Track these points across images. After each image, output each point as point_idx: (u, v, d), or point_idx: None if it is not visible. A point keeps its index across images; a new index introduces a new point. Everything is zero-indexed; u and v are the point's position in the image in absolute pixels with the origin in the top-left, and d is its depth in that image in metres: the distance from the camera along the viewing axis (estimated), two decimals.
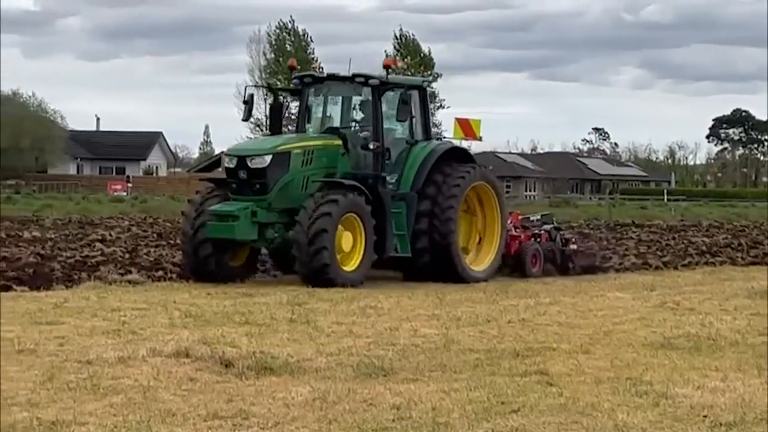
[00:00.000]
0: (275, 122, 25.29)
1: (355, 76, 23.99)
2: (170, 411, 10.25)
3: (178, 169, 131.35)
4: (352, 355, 13.42)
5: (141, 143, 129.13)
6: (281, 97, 26.12)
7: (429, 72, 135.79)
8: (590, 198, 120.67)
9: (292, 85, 24.99)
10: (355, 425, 9.84)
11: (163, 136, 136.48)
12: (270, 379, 11.87)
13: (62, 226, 40.61)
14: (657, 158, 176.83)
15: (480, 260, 25.13)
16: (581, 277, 26.23)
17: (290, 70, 25.39)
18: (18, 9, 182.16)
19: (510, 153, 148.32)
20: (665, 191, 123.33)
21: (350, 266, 22.48)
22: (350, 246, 22.50)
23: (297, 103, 25.64)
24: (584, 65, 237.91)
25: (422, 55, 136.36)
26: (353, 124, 24.67)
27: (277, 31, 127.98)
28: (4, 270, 22.52)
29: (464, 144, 26.78)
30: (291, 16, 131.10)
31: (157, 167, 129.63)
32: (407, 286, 23.07)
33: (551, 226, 27.93)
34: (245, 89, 24.90)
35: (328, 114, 25.06)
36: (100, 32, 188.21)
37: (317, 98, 24.86)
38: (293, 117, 25.98)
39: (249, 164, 22.52)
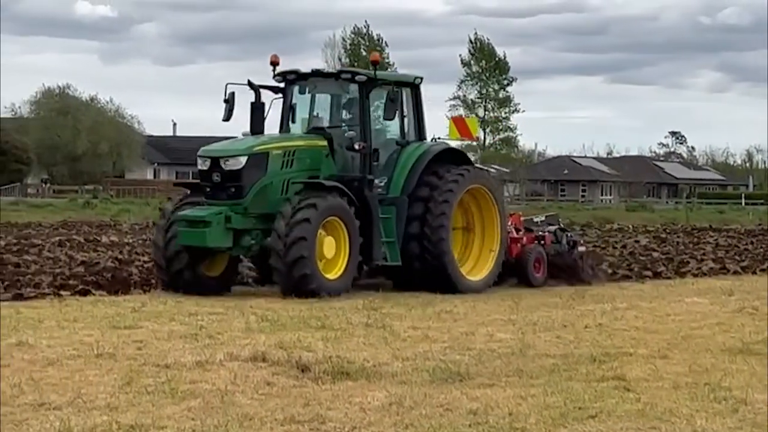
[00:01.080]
0: (257, 122, 22.74)
1: (341, 72, 23.07)
2: (247, 415, 10.28)
3: None
4: (428, 360, 13.40)
5: None
6: (278, 94, 23.01)
7: (504, 76, 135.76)
8: (667, 202, 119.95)
9: (274, 82, 22.80)
10: (431, 430, 9.84)
11: None
12: (346, 384, 11.87)
13: (140, 230, 40.86)
14: (734, 162, 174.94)
15: (478, 268, 23.21)
16: (658, 281, 25.81)
17: (272, 66, 22.82)
18: (95, 15, 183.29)
19: (586, 157, 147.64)
20: (743, 195, 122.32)
21: (334, 273, 20.84)
22: (333, 252, 20.87)
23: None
24: (661, 69, 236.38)
25: (497, 59, 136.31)
26: (340, 123, 22.84)
27: (352, 35, 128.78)
28: (83, 274, 22.71)
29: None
30: (366, 21, 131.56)
31: None
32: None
33: (556, 227, 25.73)
34: (226, 87, 22.50)
35: (313, 113, 23.19)
36: (177, 37, 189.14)
37: (302, 96, 23.14)
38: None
39: (223, 166, 20.88)
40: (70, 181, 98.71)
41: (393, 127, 22.96)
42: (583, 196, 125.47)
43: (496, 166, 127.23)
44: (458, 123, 25.40)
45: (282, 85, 22.82)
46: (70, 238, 34.98)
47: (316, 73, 23.09)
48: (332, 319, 16.98)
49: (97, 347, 13.82)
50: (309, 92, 23.13)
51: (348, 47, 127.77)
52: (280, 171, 21.26)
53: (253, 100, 22.70)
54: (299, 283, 20.05)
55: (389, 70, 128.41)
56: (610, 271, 26.42)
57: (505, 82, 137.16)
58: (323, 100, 23.43)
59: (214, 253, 21.11)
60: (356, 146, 21.71)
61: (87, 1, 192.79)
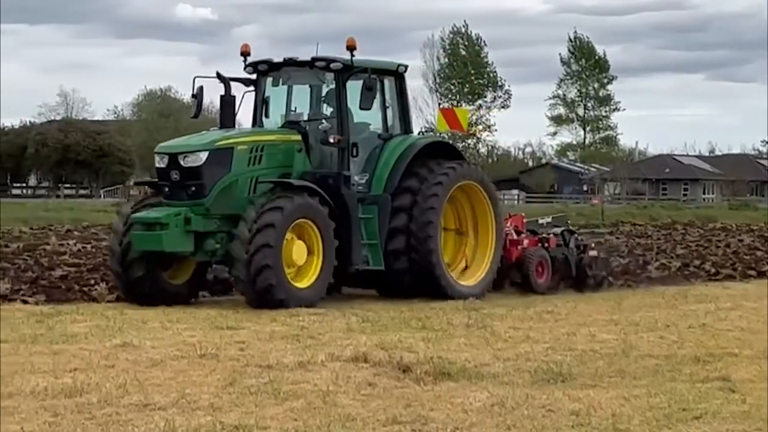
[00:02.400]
0: (227, 116, 20.83)
1: (315, 60, 20.39)
2: (350, 416, 10.31)
3: None
4: (529, 361, 13.37)
5: None
6: (250, 86, 21.22)
7: (604, 75, 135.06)
8: None
9: (245, 74, 20.99)
10: (534, 431, 9.81)
11: None
12: (448, 385, 11.86)
13: None
14: None
15: (471, 273, 21.54)
16: (763, 281, 25.38)
17: (242, 57, 21.03)
18: (197, 18, 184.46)
19: (687, 155, 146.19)
20: None
21: (306, 281, 19.05)
22: (305, 258, 19.07)
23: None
24: (761, 66, 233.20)
25: (597, 57, 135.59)
26: (316, 116, 20.87)
27: (451, 35, 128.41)
28: None
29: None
30: (465, 21, 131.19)
31: None
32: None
33: (562, 229, 23.84)
34: (194, 81, 20.69)
35: (288, 106, 21.26)
36: (275, 39, 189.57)
37: (275, 88, 21.19)
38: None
39: (182, 163, 18.99)
40: None
41: (375, 120, 21.20)
42: (684, 194, 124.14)
43: (596, 166, 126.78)
44: (447, 114, 23.69)
45: (254, 76, 21.10)
46: None
47: (289, 62, 20.83)
48: (433, 319, 16.98)
49: (200, 348, 13.94)
50: (283, 83, 21.26)
51: (447, 47, 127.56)
52: (246, 168, 19.53)
53: (223, 93, 20.91)
54: (264, 294, 18.41)
55: (488, 69, 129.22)
56: (619, 282, 24.53)
57: (605, 80, 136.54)
58: (298, 91, 21.52)
59: (177, 258, 19.50)
60: (331, 139, 19.98)
61: (188, 4, 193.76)
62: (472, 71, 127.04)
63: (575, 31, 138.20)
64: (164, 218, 18.72)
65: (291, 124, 20.68)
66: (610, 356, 13.90)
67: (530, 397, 11.17)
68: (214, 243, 19.01)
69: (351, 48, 20.18)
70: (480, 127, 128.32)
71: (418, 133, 21.82)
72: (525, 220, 23.69)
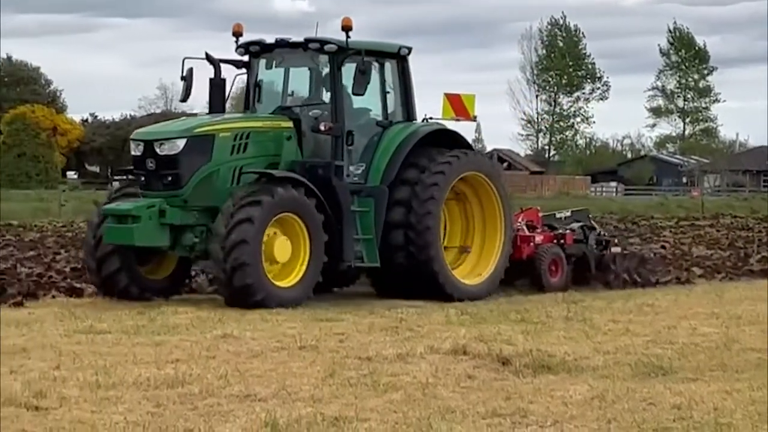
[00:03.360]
0: (216, 101, 19.47)
1: (308, 41, 18.84)
2: (449, 408, 10.30)
3: None
4: (629, 354, 13.28)
5: None
6: (241, 69, 19.82)
7: (704, 66, 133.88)
8: None
9: (237, 55, 19.59)
10: (634, 425, 9.74)
11: None
12: (547, 377, 11.83)
13: None
14: None
15: (479, 270, 19.98)
16: None
17: (234, 37, 19.61)
18: (294, 10, 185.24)
19: None
20: None
21: (290, 280, 17.68)
22: (288, 255, 17.67)
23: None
24: None
25: (697, 48, 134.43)
26: (310, 101, 19.60)
27: (549, 27, 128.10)
28: None
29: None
30: (563, 12, 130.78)
31: None
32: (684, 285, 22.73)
33: (581, 224, 22.19)
34: (183, 62, 19.26)
35: (282, 90, 19.80)
36: (374, 31, 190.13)
37: (268, 71, 19.67)
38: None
39: (157, 150, 17.65)
40: None
41: (374, 106, 19.72)
42: None
43: (695, 157, 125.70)
44: (453, 100, 21.66)
45: (246, 58, 19.64)
46: None
47: (282, 44, 19.27)
48: (531, 312, 16.92)
49: (299, 339, 14.01)
50: (276, 66, 19.62)
51: (545, 39, 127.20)
52: (229, 157, 18.13)
53: (212, 76, 19.51)
54: (241, 293, 17.14)
55: (586, 61, 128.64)
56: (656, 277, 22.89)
57: (705, 71, 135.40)
58: (295, 74, 19.89)
59: (155, 253, 18.33)
60: (321, 127, 18.54)
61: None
62: (570, 63, 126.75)
63: (675, 22, 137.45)
64: (135, 210, 17.53)
65: (283, 109, 19.28)
66: (712, 350, 13.78)
67: (631, 390, 11.11)
68: (192, 237, 17.75)
69: (347, 29, 18.55)
70: (578, 119, 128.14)
71: (422, 120, 20.03)
72: (541, 215, 22.33)
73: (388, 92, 19.58)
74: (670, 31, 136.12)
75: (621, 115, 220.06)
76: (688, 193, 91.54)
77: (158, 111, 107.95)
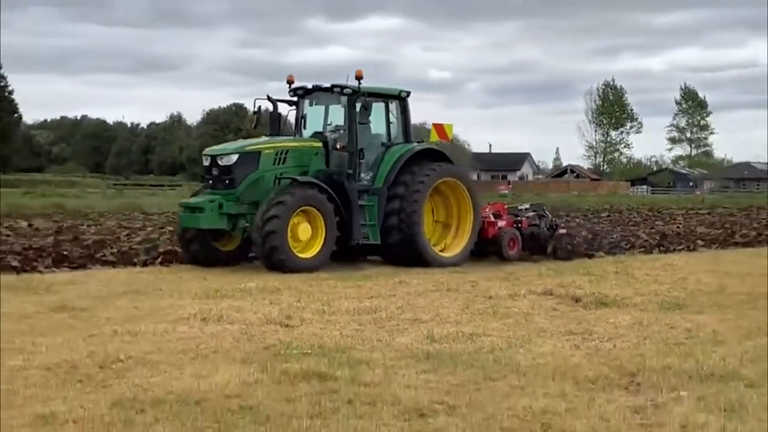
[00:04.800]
0: (274, 127, 18.34)
1: (333, 86, 17.78)
2: (542, 329, 10.26)
3: (539, 176, 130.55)
4: (657, 295, 13.01)
5: (516, 159, 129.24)
6: (292, 106, 18.53)
7: (703, 110, 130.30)
8: None
9: (288, 97, 18.43)
10: (661, 341, 9.58)
11: (530, 155, 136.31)
12: (604, 310, 11.67)
13: None
14: None
15: (454, 246, 18.38)
16: None
17: (288, 84, 18.41)
18: (440, 77, 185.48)
19: (759, 162, 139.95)
20: None
21: (310, 253, 16.40)
22: (309, 235, 16.43)
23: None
24: None
25: (699, 99, 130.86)
26: (336, 128, 17.94)
27: (603, 86, 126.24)
28: None
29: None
30: (612, 77, 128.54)
31: (526, 175, 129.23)
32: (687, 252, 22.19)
33: (534, 213, 20.25)
34: (254, 101, 18.37)
35: (326, 120, 18.40)
36: (490, 91, 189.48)
37: (310, 107, 18.47)
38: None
39: (219, 162, 16.75)
40: None
41: (381, 132, 18.28)
42: (757, 188, 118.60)
43: (698, 170, 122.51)
44: (438, 128, 20.18)
45: (295, 99, 18.43)
46: None
47: (317, 88, 18.13)
48: (594, 268, 16.65)
49: (447, 284, 14.00)
50: (315, 104, 18.45)
51: (600, 93, 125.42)
52: (272, 167, 16.98)
53: (271, 110, 18.43)
54: (275, 266, 15.86)
55: (627, 107, 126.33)
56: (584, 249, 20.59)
57: (704, 114, 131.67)
58: (323, 109, 18.50)
59: (226, 233, 16.96)
60: (337, 146, 17.42)
61: (435, 69, 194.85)
62: (617, 109, 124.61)
63: (684, 83, 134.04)
64: (201, 204, 16.64)
65: (317, 134, 18.00)
66: (711, 293, 13.47)
67: (658, 319, 10.93)
68: (244, 222, 16.66)
69: (359, 78, 17.41)
70: (622, 145, 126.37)
71: (417, 143, 18.58)
72: (506, 207, 20.45)
73: (391, 123, 18.30)
74: (682, 88, 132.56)
75: (649, 142, 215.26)
76: (694, 193, 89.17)
77: None
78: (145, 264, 16.87)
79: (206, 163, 17.06)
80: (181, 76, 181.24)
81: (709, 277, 15.40)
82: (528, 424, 6.46)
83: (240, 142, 17.80)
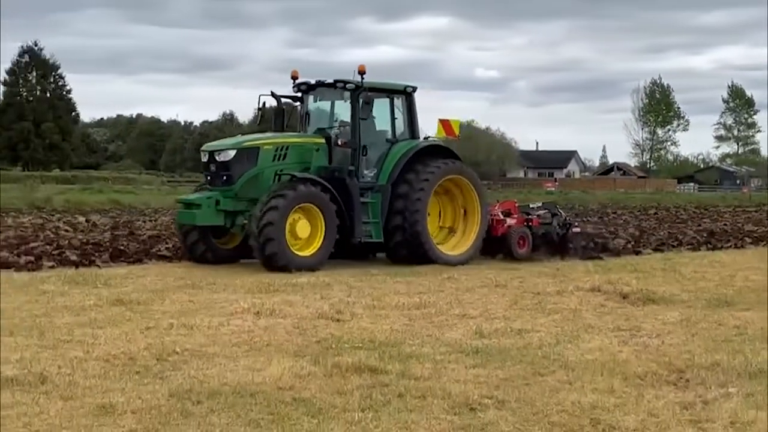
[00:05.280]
0: (278, 123, 17.76)
1: (336, 81, 16.97)
2: (590, 325, 10.18)
3: (586, 174, 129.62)
4: (705, 292, 12.89)
5: (563, 157, 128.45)
6: (296, 102, 17.94)
7: (751, 108, 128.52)
8: None
9: (293, 92, 17.66)
10: (709, 338, 9.49)
11: (577, 153, 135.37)
12: (652, 307, 11.57)
13: None
14: None
15: (461, 245, 17.60)
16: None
17: (293, 79, 17.62)
18: (487, 76, 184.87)
19: None
20: None
21: (309, 251, 15.67)
22: (308, 233, 15.67)
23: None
24: None
25: (746, 97, 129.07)
26: (340, 124, 17.11)
27: (650, 84, 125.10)
28: None
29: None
30: (659, 75, 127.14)
31: (573, 172, 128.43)
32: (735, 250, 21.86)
33: (545, 211, 19.48)
34: (259, 98, 17.49)
35: (322, 116, 17.73)
36: (538, 89, 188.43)
37: (314, 103, 17.76)
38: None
39: (217, 158, 16.08)
40: None
41: (386, 128, 17.49)
42: None
43: (745, 167, 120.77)
44: (444, 124, 19.30)
45: (299, 94, 17.68)
46: None
47: (320, 84, 17.37)
48: (641, 265, 16.53)
49: (495, 280, 13.97)
50: (319, 99, 17.77)
51: (647, 92, 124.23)
52: (271, 163, 16.26)
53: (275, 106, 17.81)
54: (269, 259, 15.21)
55: (674, 106, 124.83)
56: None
57: (751, 112, 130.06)
58: (327, 105, 17.87)
59: (225, 230, 16.40)
60: (338, 142, 16.65)
61: (482, 68, 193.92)
62: (664, 107, 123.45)
63: (732, 81, 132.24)
64: (197, 200, 16.10)
65: (319, 130, 17.26)
66: (758, 290, 13.26)
67: (706, 316, 10.81)
68: (242, 219, 15.99)
69: (362, 72, 16.50)
70: (669, 143, 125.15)
71: (424, 139, 17.74)
72: (517, 205, 19.61)
73: (396, 118, 17.43)
74: (729, 87, 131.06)
75: (696, 140, 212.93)
76: (741, 190, 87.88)
77: None
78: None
79: (204, 159, 16.43)
80: (233, 76, 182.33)
81: (757, 275, 15.19)
82: (577, 419, 6.43)
83: (239, 138, 17.08)
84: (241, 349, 8.59)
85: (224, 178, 15.99)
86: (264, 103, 17.45)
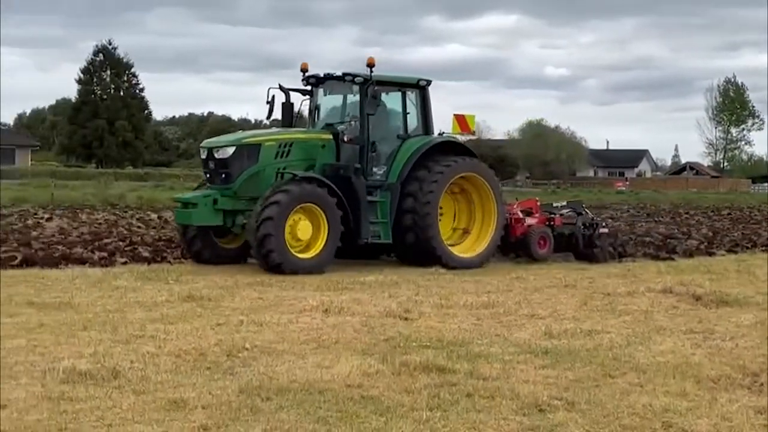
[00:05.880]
0: (286, 119, 16.80)
1: (344, 74, 16.18)
2: (662, 327, 10.03)
3: (657, 173, 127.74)
4: None
5: (634, 156, 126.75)
6: (306, 96, 17.05)
7: None
8: None
9: (302, 86, 16.89)
10: None
11: (648, 152, 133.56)
12: (725, 309, 11.35)
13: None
14: None
15: (476, 246, 16.73)
16: None
17: (302, 72, 16.90)
18: (556, 74, 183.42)
19: None
20: None
21: (311, 253, 14.84)
22: (309, 234, 14.86)
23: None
24: None
25: None
26: (350, 119, 16.24)
27: (724, 83, 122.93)
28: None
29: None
30: (733, 73, 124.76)
31: (644, 172, 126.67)
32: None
33: (569, 210, 18.58)
34: (268, 91, 16.50)
35: (332, 110, 16.89)
36: (608, 87, 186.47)
37: (324, 96, 16.88)
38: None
39: (215, 155, 15.32)
40: (542, 178, 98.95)
41: (398, 123, 16.61)
42: None
43: None
44: (459, 119, 18.54)
45: (308, 87, 16.89)
46: None
47: (328, 77, 16.58)
48: (714, 266, 16.26)
49: (564, 280, 13.86)
50: (329, 93, 16.88)
51: (721, 90, 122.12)
52: (274, 160, 15.46)
53: (284, 100, 16.86)
54: (266, 257, 14.48)
55: (749, 104, 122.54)
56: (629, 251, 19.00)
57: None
58: (337, 99, 16.94)
59: (228, 229, 15.66)
60: (345, 138, 15.78)
61: (552, 66, 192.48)
62: (738, 106, 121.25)
63: None
64: (194, 199, 15.41)
65: (328, 126, 16.41)
66: None
67: None
68: (242, 219, 15.23)
69: (370, 65, 15.73)
70: (743, 142, 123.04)
71: (438, 134, 16.82)
72: (539, 203, 18.67)
73: (409, 113, 16.56)
74: None
75: None
76: None
77: (472, 138, 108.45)
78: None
79: (203, 156, 15.75)
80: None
81: None
82: (648, 422, 6.34)
83: (239, 134, 16.43)
84: (310, 346, 8.63)
85: (223, 176, 15.30)
86: (273, 97, 16.61)
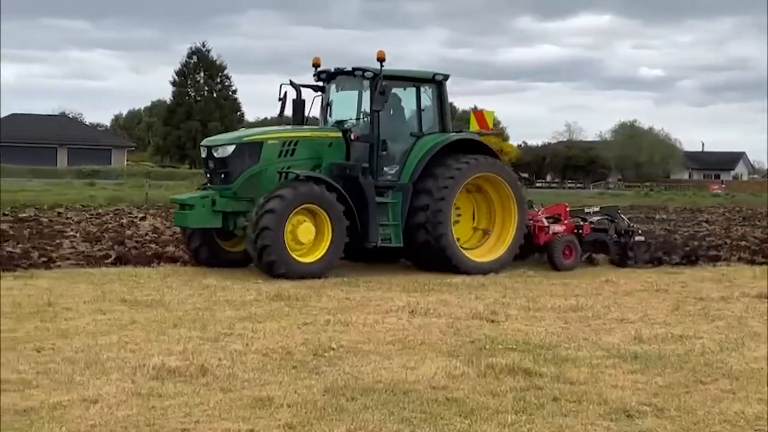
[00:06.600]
0: (297, 116, 15.94)
1: (354, 69, 15.21)
2: (756, 333, 9.79)
3: (755, 176, 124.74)
4: None
5: (730, 159, 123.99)
6: (317, 92, 16.16)
7: None
8: None
9: (313, 81, 16.06)
10: None
11: (745, 154, 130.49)
12: None
13: (680, 212, 39.70)
14: None
15: (495, 250, 15.74)
16: None
17: (314, 67, 16.05)
18: (651, 75, 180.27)
19: None
20: None
21: (313, 257, 14.03)
22: (311, 237, 14.03)
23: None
24: None
25: None
26: (360, 116, 15.49)
27: None
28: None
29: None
30: None
31: (741, 174, 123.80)
32: None
33: (600, 217, 17.25)
34: (280, 87, 15.79)
35: (345, 107, 15.87)
36: (704, 88, 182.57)
37: (336, 93, 15.87)
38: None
39: (215, 154, 14.53)
40: (635, 180, 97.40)
41: (412, 120, 15.74)
42: None
43: None
44: (478, 116, 17.69)
45: (320, 83, 16.02)
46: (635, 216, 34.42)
47: (339, 72, 15.59)
48: None
49: (656, 285, 13.65)
50: (341, 89, 15.87)
51: None
52: (277, 159, 14.66)
53: (294, 97, 16.05)
54: (267, 267, 13.75)
55: None
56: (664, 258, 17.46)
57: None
58: (349, 95, 15.92)
59: (233, 231, 14.88)
60: (352, 136, 14.95)
61: (646, 67, 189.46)
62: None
63: None
64: (191, 200, 14.69)
65: (337, 123, 15.61)
66: None
67: None
68: (243, 221, 14.34)
69: (381, 59, 14.86)
70: None
71: (455, 132, 15.91)
72: (568, 209, 17.22)
73: (423, 110, 15.63)
74: None
75: None
76: None
77: (564, 139, 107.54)
78: None
79: (203, 155, 15.01)
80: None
81: None
82: (740, 430, 6.19)
83: (240, 132, 15.85)
84: (396, 347, 8.65)
85: (222, 175, 14.59)
86: (285, 93, 15.91)
